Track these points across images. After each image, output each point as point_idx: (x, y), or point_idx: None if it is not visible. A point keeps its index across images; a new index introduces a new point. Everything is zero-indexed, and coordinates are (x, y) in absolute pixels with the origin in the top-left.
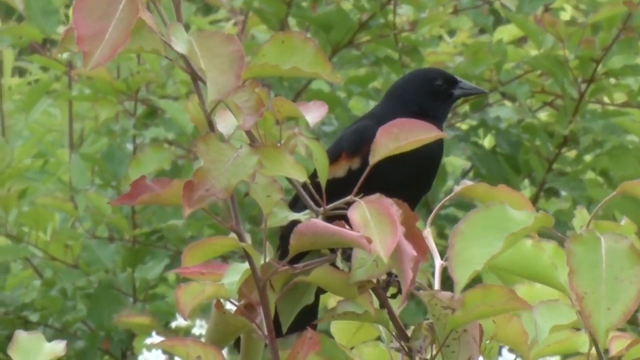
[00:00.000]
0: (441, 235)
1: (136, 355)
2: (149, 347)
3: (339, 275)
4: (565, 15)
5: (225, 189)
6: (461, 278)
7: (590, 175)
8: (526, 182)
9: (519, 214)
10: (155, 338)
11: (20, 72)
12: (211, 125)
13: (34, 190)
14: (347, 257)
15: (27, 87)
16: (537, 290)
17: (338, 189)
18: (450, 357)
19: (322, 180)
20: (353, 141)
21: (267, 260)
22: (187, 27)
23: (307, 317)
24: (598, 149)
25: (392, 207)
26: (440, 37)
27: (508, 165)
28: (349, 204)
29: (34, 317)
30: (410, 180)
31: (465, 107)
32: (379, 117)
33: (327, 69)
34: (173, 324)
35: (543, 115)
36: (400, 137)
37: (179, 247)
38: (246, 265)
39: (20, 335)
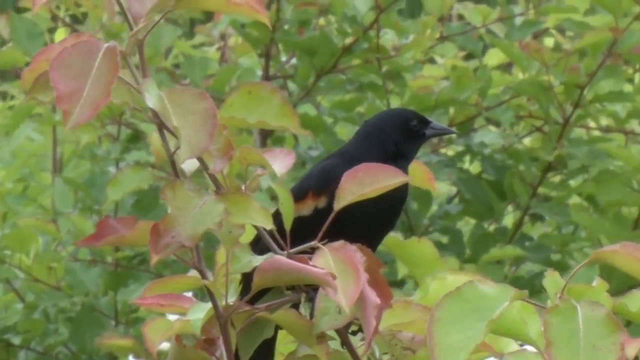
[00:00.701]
0: None
1: None
2: None
3: (301, 321)
4: (549, 42)
5: (191, 237)
6: None
7: (575, 199)
8: (510, 207)
9: (491, 290)
10: None
11: (2, 95)
12: (176, 172)
13: (14, 214)
14: (310, 299)
15: (8, 111)
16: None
17: (304, 227)
18: None
19: (287, 224)
20: (321, 179)
21: (229, 298)
22: (170, 50)
23: (266, 352)
24: (584, 174)
25: (356, 255)
26: (431, 60)
27: (493, 190)
28: (313, 249)
29: (16, 340)
30: (375, 223)
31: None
32: (351, 156)
33: (294, 121)
34: None
35: (528, 141)
36: (365, 182)
37: (161, 271)
38: (209, 303)
39: None
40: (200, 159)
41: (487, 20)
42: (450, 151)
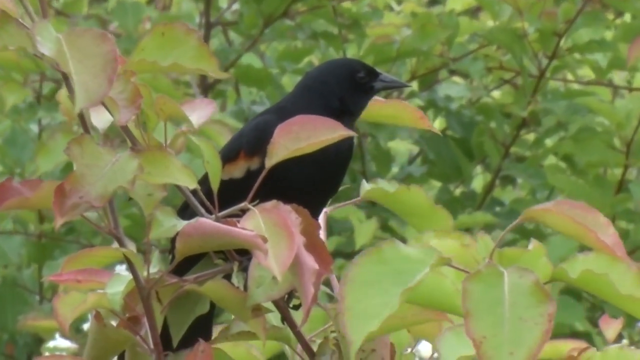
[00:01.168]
0: (385, 228)
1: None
2: (52, 351)
3: (234, 292)
4: None
5: (101, 197)
6: (356, 336)
7: (551, 160)
8: (479, 168)
9: (412, 251)
10: (60, 341)
11: None
12: (85, 126)
13: None
14: (244, 268)
15: None
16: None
17: (235, 191)
18: None
19: (214, 185)
20: (253, 138)
21: (151, 269)
22: None
23: (200, 330)
24: (561, 131)
25: (290, 216)
26: (389, 7)
27: (460, 149)
28: (243, 211)
29: None
30: (314, 184)
31: (414, 86)
32: (288, 112)
33: (213, 63)
34: (51, 344)
35: (498, 94)
36: (301, 137)
37: (91, 240)
38: (130, 275)
39: None
40: (108, 110)
41: None
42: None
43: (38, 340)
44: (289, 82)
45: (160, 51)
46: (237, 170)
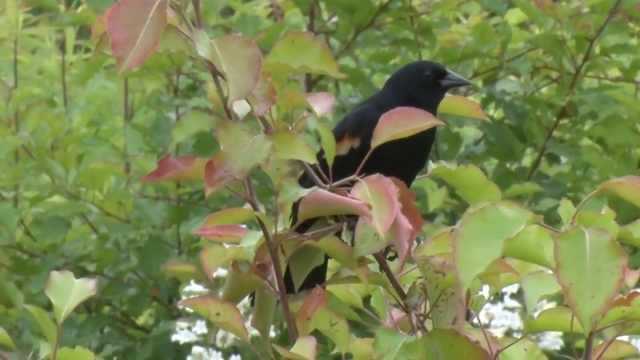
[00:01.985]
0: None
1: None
2: (188, 294)
3: (343, 247)
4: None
5: (242, 171)
6: (466, 279)
7: (587, 142)
8: (529, 150)
9: (511, 212)
10: (194, 286)
11: (79, 48)
12: (229, 115)
13: (90, 155)
14: (351, 227)
15: (83, 62)
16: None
17: (341, 165)
18: (439, 316)
19: (330, 160)
20: (355, 123)
21: (278, 227)
22: (229, 11)
23: (316, 277)
24: (594, 119)
25: (391, 186)
26: (457, 20)
27: (514, 134)
28: (352, 182)
29: (91, 267)
30: (406, 161)
31: (477, 82)
32: (377, 103)
33: (333, 65)
34: (187, 288)
35: (544, 90)
36: (400, 124)
37: (219, 205)
38: (261, 232)
39: (55, 276)
40: (248, 102)
41: None
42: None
43: (177, 284)
44: (378, 80)
45: (290, 55)
46: (343, 148)
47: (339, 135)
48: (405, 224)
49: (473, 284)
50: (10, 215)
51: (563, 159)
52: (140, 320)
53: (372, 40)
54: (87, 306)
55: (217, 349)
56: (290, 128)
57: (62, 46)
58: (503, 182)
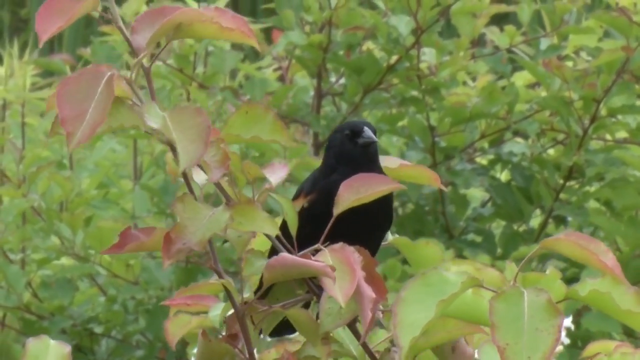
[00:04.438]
0: (460, 256)
1: None
2: (195, 356)
3: (309, 321)
4: (569, 64)
5: (199, 243)
6: (405, 343)
7: (594, 204)
8: (537, 211)
9: (452, 276)
10: None
11: None
12: (189, 186)
13: (98, 217)
14: (319, 297)
15: None
16: None
17: (300, 226)
18: None
19: (292, 231)
20: (311, 183)
21: (244, 294)
22: (235, 73)
23: (285, 325)
24: (601, 181)
25: (353, 255)
26: (464, 82)
27: (522, 195)
28: (317, 251)
29: (98, 329)
30: (367, 225)
31: (484, 143)
32: (322, 168)
33: (284, 135)
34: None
35: (551, 151)
36: (360, 190)
37: (226, 267)
38: (228, 302)
39: (29, 342)
40: (202, 169)
41: (514, 42)
42: (483, 160)
43: (184, 346)
44: (386, 141)
45: (245, 126)
46: (298, 206)
47: (297, 194)
48: (369, 292)
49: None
50: (18, 277)
51: (569, 221)
52: None
53: (380, 101)
54: None
55: None
56: (252, 199)
57: None
58: (510, 244)
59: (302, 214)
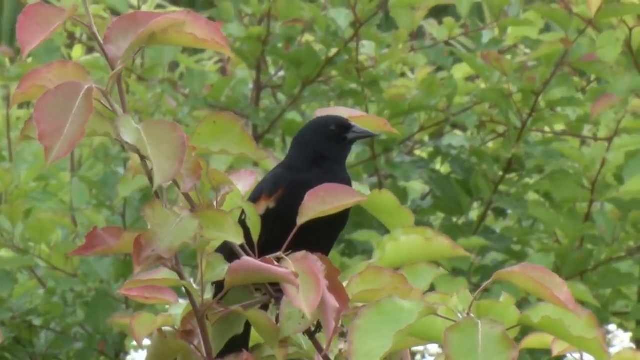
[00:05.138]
0: None
1: (128, 353)
2: (136, 348)
3: (269, 323)
4: (508, 57)
5: (169, 250)
6: None
7: (533, 196)
8: (476, 204)
9: (407, 304)
10: None
11: (26, 104)
12: (157, 193)
13: (38, 209)
14: (277, 300)
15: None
16: None
17: (262, 229)
18: None
19: (255, 237)
20: (272, 184)
21: (204, 296)
22: (175, 66)
23: (240, 343)
24: (540, 173)
25: (317, 264)
26: (403, 74)
27: (461, 188)
28: (279, 259)
29: (37, 322)
30: (330, 231)
31: (423, 136)
32: (288, 165)
33: (252, 147)
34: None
35: (491, 143)
36: (326, 201)
37: (189, 261)
38: (187, 301)
39: None
40: (174, 181)
41: (452, 34)
42: (423, 153)
43: (123, 338)
44: None
45: (212, 136)
46: (260, 208)
47: (257, 195)
48: (332, 302)
49: None
50: None
51: (509, 213)
52: None
53: (319, 94)
54: None
55: None
56: (215, 204)
57: (7, 101)
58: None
59: (267, 216)
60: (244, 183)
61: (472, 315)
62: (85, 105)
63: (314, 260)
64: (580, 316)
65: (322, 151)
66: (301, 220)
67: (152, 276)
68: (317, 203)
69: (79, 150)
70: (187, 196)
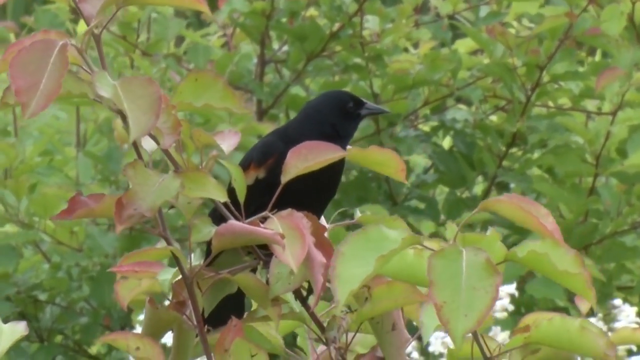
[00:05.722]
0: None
1: (134, 327)
2: (140, 322)
3: (258, 284)
4: (512, 31)
5: (150, 209)
6: (342, 297)
7: (537, 171)
8: (480, 178)
9: (393, 233)
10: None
11: None
12: (138, 153)
13: (43, 184)
14: (266, 263)
15: None
16: None
17: (249, 196)
18: (376, 327)
19: (241, 198)
20: (261, 153)
21: (192, 262)
22: (180, 41)
23: (235, 310)
24: (543, 147)
25: (302, 221)
26: (405, 49)
27: (465, 162)
28: (265, 218)
29: (42, 297)
30: (317, 193)
31: (426, 111)
32: (289, 135)
33: (235, 102)
34: (140, 317)
35: (494, 118)
36: (308, 158)
37: (172, 234)
38: (176, 267)
39: None
40: (153, 137)
41: (456, 9)
42: (426, 127)
43: (129, 313)
44: None
45: (194, 93)
46: (249, 178)
47: (245, 164)
48: (319, 257)
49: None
50: None
51: (512, 188)
52: (93, 350)
53: (323, 68)
54: (39, 335)
55: None
56: (200, 166)
57: None
58: (454, 210)
59: (258, 184)
60: (228, 143)
61: (456, 243)
62: (60, 61)
63: (300, 217)
64: (566, 250)
65: (338, 127)
66: (285, 178)
67: (143, 252)
68: (300, 160)
69: (83, 125)
70: (168, 154)
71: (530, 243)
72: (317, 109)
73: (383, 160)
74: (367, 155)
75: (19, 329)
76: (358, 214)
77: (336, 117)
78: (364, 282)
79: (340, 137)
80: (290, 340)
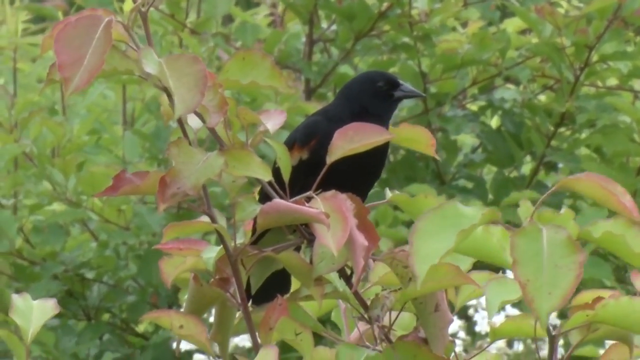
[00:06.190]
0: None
1: (181, 306)
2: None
3: (302, 264)
4: (561, 10)
5: (194, 187)
6: (421, 272)
7: (585, 151)
8: (528, 157)
9: (469, 209)
10: None
11: None
12: (184, 131)
13: (90, 163)
14: (310, 242)
15: None
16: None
17: (292, 177)
18: (420, 307)
19: (285, 176)
20: (304, 134)
21: (237, 240)
22: (229, 19)
23: (280, 287)
24: (592, 127)
25: (346, 203)
26: (454, 28)
27: (513, 142)
28: (309, 198)
29: (90, 275)
30: (361, 175)
31: (474, 90)
32: (328, 114)
33: (281, 81)
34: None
35: (543, 97)
36: (354, 139)
37: (219, 212)
38: (221, 245)
39: (15, 299)
40: (199, 115)
41: None
42: (474, 107)
43: (176, 291)
44: None
45: (241, 71)
46: (293, 158)
47: (289, 145)
48: (361, 240)
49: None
50: (10, 222)
51: (560, 167)
52: (140, 328)
53: (371, 48)
54: (87, 314)
55: (218, 357)
56: (246, 144)
57: None
58: (502, 190)
59: (302, 164)
60: (274, 122)
61: (535, 221)
62: (105, 37)
63: (343, 199)
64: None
65: (367, 106)
66: (330, 158)
67: (187, 224)
68: (346, 141)
69: (131, 104)
70: (213, 132)
71: (604, 223)
72: (350, 87)
73: (413, 136)
74: (398, 132)
75: (49, 306)
76: (388, 193)
77: (366, 96)
78: (444, 257)
79: (371, 115)
80: (324, 317)
